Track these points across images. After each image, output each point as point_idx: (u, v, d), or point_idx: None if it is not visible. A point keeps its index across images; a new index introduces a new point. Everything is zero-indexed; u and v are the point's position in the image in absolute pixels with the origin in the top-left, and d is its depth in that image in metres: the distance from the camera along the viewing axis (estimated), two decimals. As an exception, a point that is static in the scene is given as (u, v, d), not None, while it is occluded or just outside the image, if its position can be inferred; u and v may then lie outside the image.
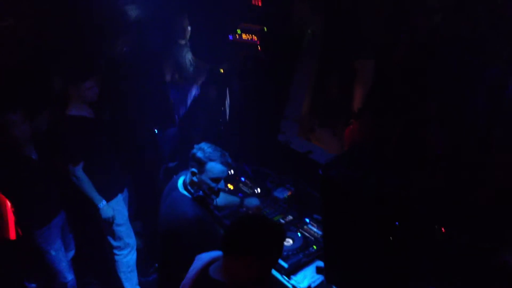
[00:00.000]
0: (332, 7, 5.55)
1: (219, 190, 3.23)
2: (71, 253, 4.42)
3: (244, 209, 3.90)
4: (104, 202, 4.11)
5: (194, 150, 3.15)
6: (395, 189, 3.08)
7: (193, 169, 3.14)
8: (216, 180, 3.16)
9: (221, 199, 3.60)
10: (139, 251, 4.64)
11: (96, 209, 4.12)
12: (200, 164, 3.11)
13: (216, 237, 3.17)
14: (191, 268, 2.53)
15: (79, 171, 3.99)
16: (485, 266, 3.21)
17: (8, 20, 4.76)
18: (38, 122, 4.28)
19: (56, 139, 4.01)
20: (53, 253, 4.05)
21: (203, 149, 3.13)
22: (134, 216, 4.65)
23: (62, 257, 4.14)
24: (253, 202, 3.92)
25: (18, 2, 4.81)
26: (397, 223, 3.03)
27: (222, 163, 3.14)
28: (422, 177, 4.18)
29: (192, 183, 3.19)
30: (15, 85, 4.23)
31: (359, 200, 3.00)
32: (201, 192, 3.18)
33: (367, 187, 3.02)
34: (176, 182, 3.30)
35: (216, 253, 2.51)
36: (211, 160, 3.10)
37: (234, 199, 3.92)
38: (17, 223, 4.12)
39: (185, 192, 3.21)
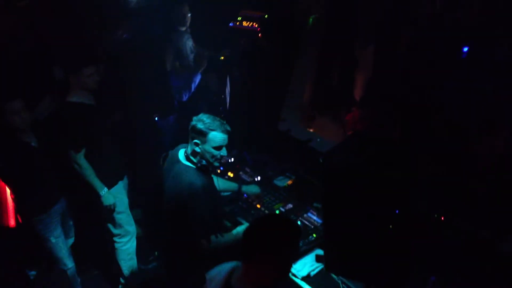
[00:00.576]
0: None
1: (222, 157, 3.34)
2: (71, 240, 4.42)
3: (245, 195, 3.93)
4: (105, 189, 4.11)
5: (194, 122, 3.25)
6: (396, 177, 3.07)
7: (196, 140, 3.25)
8: (218, 148, 3.28)
9: (220, 184, 3.67)
10: (139, 239, 4.64)
11: (97, 196, 4.11)
12: (202, 135, 3.23)
13: (220, 204, 3.51)
14: (211, 282, 2.52)
15: (81, 158, 3.97)
16: (484, 255, 3.20)
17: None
18: (39, 109, 4.27)
19: (57, 126, 3.99)
20: (53, 240, 4.05)
21: (202, 120, 3.24)
22: (134, 204, 4.64)
23: (62, 244, 4.13)
24: (252, 189, 3.96)
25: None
26: (397, 211, 3.02)
27: (222, 131, 3.25)
28: (423, 164, 4.17)
29: (194, 153, 3.30)
30: (16, 72, 4.21)
31: (360, 187, 2.98)
32: (204, 162, 3.31)
33: (368, 174, 3.01)
34: (177, 155, 3.40)
35: (232, 264, 2.51)
36: (211, 130, 3.22)
37: (233, 185, 4.01)
38: (17, 210, 4.12)
39: (188, 163, 3.33)
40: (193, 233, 3.26)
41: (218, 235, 3.33)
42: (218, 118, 3.30)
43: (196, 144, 3.27)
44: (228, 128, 3.30)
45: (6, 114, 3.65)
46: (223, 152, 3.32)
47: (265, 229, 2.38)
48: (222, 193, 3.85)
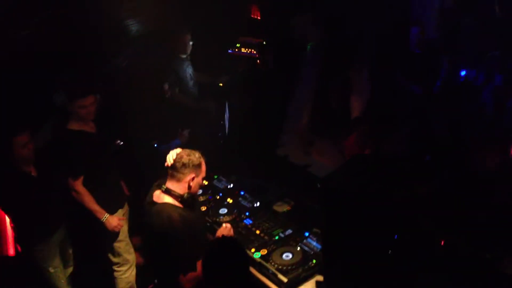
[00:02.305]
0: (332, 20, 5.59)
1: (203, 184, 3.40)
2: (70, 269, 4.39)
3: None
4: (106, 214, 4.10)
5: (185, 159, 3.23)
6: (395, 200, 3.07)
7: (190, 175, 3.24)
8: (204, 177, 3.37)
9: None
10: (138, 267, 4.60)
11: (99, 223, 4.09)
12: (198, 167, 3.27)
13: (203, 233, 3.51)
14: None
15: (79, 185, 3.98)
16: (486, 276, 3.18)
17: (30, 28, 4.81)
18: (38, 137, 4.29)
19: (57, 154, 4.00)
20: (51, 270, 4.02)
21: (190, 154, 3.25)
22: (133, 232, 4.62)
23: (60, 274, 4.10)
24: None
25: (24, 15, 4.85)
26: (395, 236, 3.01)
27: (203, 161, 3.31)
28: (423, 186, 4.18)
29: (182, 188, 3.27)
30: (17, 101, 4.26)
31: (358, 211, 2.98)
32: (189, 194, 3.29)
33: (366, 198, 3.01)
34: (155, 193, 3.33)
35: None
36: (202, 160, 3.30)
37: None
38: (16, 240, 4.11)
39: (169, 200, 3.27)
40: (172, 268, 3.18)
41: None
42: (188, 150, 3.33)
43: (192, 179, 3.26)
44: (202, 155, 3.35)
45: (15, 147, 3.70)
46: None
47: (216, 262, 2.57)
48: None
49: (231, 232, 3.53)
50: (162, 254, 3.21)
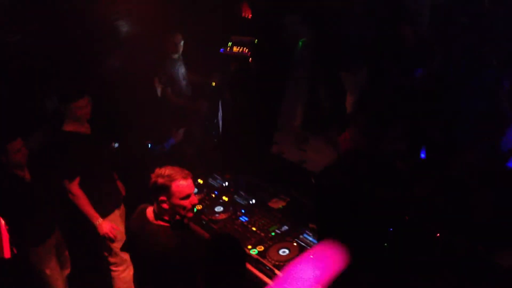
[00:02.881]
0: (322, 18, 5.62)
1: (194, 205, 3.05)
2: (67, 271, 4.38)
3: None
4: (100, 219, 4.10)
5: (153, 179, 2.95)
6: (388, 195, 3.10)
7: (161, 198, 2.95)
8: (186, 197, 2.97)
9: None
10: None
11: (93, 226, 4.10)
12: (165, 189, 2.93)
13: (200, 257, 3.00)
14: None
15: (75, 187, 3.98)
16: (480, 268, 3.22)
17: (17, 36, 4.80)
18: (33, 140, 4.30)
19: (52, 157, 4.00)
20: (48, 272, 4.02)
21: (161, 175, 2.94)
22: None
23: (57, 275, 4.10)
24: None
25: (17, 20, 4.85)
26: (390, 229, 3.04)
27: (184, 178, 2.96)
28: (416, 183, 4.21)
29: (163, 212, 3.00)
30: (15, 108, 4.26)
31: (351, 206, 3.01)
32: (177, 217, 3.02)
33: (359, 194, 3.03)
34: (145, 215, 3.09)
35: None
36: (173, 180, 2.93)
37: None
38: (12, 242, 4.10)
39: (160, 223, 3.03)
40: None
41: None
42: (176, 167, 3.01)
43: (163, 201, 2.94)
44: (189, 172, 3.02)
45: (10, 153, 3.72)
46: (193, 199, 3.03)
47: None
48: None
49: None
50: (156, 275, 3.03)
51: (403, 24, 5.45)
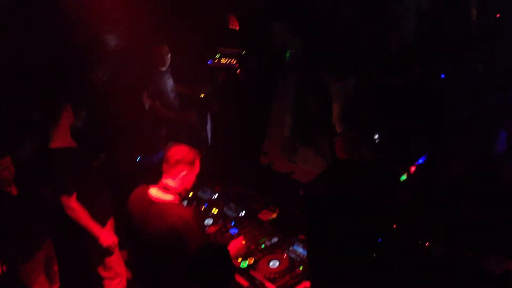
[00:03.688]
0: (310, 28, 5.66)
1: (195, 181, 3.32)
2: (55, 286, 4.34)
3: None
4: (103, 231, 4.06)
5: (180, 155, 3.20)
6: (377, 205, 3.10)
7: (182, 171, 3.19)
8: (196, 176, 3.29)
9: None
10: (127, 281, 4.56)
11: (92, 239, 4.05)
12: (193, 163, 3.23)
13: None
14: None
15: (74, 202, 3.93)
16: (469, 275, 3.22)
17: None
18: (19, 155, 4.26)
19: (43, 173, 3.97)
20: (36, 288, 3.99)
21: (186, 149, 3.23)
22: (120, 245, 4.59)
23: (45, 292, 4.07)
24: None
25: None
26: (379, 239, 3.04)
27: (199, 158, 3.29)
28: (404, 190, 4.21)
29: (180, 185, 3.22)
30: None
31: (340, 216, 3.00)
32: (184, 191, 3.27)
33: (348, 204, 3.03)
34: (147, 196, 3.22)
35: None
36: (197, 157, 3.26)
37: None
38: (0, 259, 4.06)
39: (168, 197, 3.20)
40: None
41: None
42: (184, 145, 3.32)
43: (185, 175, 3.21)
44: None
45: None
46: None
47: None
48: None
49: (243, 248, 3.58)
50: (171, 255, 3.12)
51: (390, 31, 5.50)
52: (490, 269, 3.26)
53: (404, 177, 4.08)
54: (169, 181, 3.20)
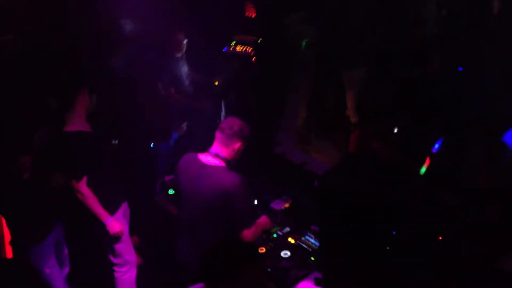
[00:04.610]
0: (326, 17, 5.59)
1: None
2: (66, 270, 4.37)
3: None
4: (110, 218, 4.08)
5: (239, 126, 3.39)
6: (392, 198, 3.07)
7: (238, 143, 3.39)
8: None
9: None
10: (138, 267, 4.59)
11: (100, 225, 4.07)
12: (245, 139, 3.42)
13: None
14: None
15: (84, 187, 3.95)
16: (483, 273, 3.19)
17: (9, 35, 4.78)
18: (35, 141, 4.27)
19: (56, 157, 3.98)
20: (47, 271, 4.00)
21: (242, 122, 3.43)
22: (131, 232, 4.61)
23: (56, 274, 4.09)
24: None
25: (16, 18, 4.84)
26: (394, 232, 3.02)
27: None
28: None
29: (232, 153, 3.42)
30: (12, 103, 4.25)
31: (354, 209, 2.98)
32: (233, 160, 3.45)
33: (363, 197, 3.01)
34: (198, 161, 3.42)
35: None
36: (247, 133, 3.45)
37: None
38: (11, 242, 4.10)
39: (220, 164, 3.38)
40: (237, 226, 3.31)
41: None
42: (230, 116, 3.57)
43: (238, 147, 3.40)
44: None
45: (19, 165, 3.76)
46: None
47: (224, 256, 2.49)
48: None
49: (268, 224, 3.65)
50: (220, 214, 3.30)
51: (412, 27, 5.41)
52: (506, 268, 3.22)
53: (423, 169, 4.04)
54: (219, 149, 3.40)
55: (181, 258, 3.57)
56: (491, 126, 4.55)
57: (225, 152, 3.39)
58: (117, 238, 4.16)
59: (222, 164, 3.37)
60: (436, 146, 4.21)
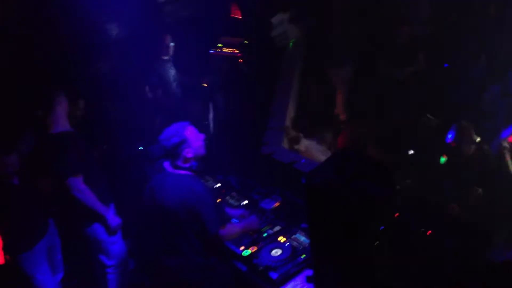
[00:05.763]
0: (313, 18, 5.63)
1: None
2: (59, 275, 4.36)
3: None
4: (110, 211, 4.08)
5: (168, 141, 3.35)
6: (379, 194, 3.10)
7: (184, 152, 3.36)
8: (202, 147, 3.47)
9: None
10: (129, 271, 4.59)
11: (96, 226, 4.07)
12: (184, 143, 3.35)
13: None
14: None
15: (81, 183, 3.94)
16: (470, 267, 3.23)
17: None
18: (21, 147, 4.26)
19: (43, 160, 3.97)
20: (39, 277, 4.00)
21: (172, 134, 3.35)
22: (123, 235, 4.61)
23: (48, 280, 4.08)
24: None
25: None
26: (382, 227, 3.04)
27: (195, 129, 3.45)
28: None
29: (185, 161, 3.40)
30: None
31: (343, 206, 3.00)
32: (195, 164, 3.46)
33: (350, 193, 3.03)
34: (160, 170, 3.52)
35: None
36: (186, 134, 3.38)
37: None
38: (3, 248, 4.08)
39: (182, 172, 3.42)
40: (208, 230, 3.36)
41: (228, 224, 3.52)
42: (175, 123, 3.44)
43: (187, 153, 3.37)
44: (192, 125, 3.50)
45: (3, 167, 3.76)
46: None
47: None
48: None
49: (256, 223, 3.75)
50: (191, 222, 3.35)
51: (402, 23, 5.46)
52: (492, 260, 3.26)
53: (443, 159, 4.13)
54: (174, 161, 3.42)
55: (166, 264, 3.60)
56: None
57: (180, 161, 3.43)
58: (116, 231, 4.16)
59: (186, 172, 3.42)
60: (450, 136, 4.26)
